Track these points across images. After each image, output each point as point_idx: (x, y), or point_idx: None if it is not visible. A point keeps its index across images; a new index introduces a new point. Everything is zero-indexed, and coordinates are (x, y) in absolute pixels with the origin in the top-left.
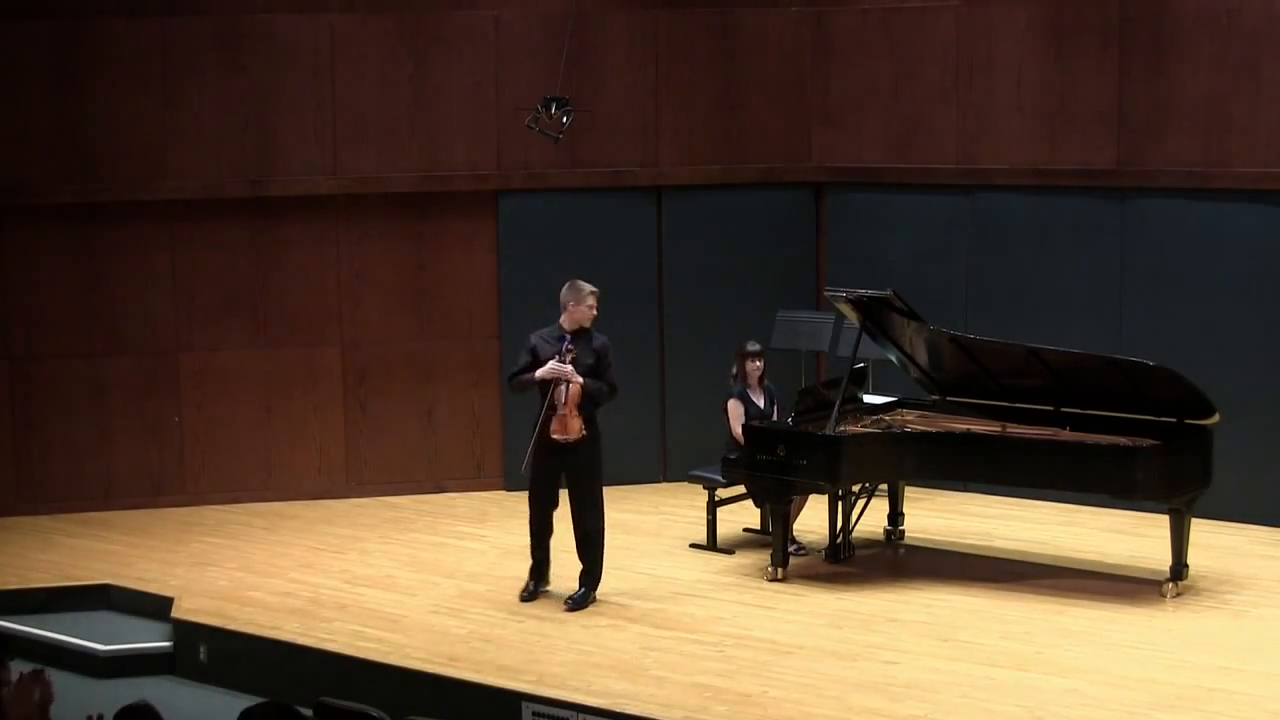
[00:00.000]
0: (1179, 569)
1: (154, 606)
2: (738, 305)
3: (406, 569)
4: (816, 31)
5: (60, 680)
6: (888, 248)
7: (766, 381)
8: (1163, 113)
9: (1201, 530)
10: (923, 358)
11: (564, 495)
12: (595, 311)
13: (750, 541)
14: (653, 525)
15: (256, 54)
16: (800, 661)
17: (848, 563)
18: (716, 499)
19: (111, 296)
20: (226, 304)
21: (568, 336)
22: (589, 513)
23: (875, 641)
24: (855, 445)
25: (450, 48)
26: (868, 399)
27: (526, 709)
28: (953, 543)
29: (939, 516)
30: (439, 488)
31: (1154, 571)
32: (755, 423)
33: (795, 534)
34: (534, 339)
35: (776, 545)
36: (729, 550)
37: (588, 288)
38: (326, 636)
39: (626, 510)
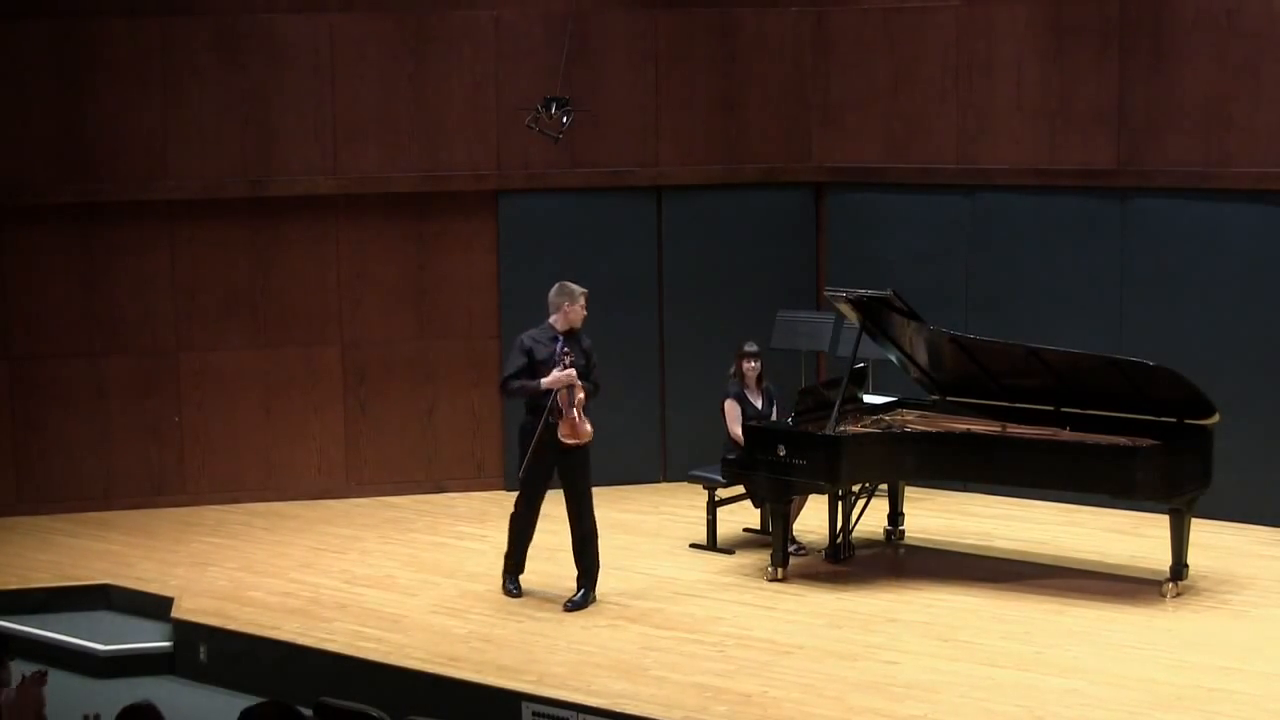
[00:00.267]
0: (1179, 569)
1: (154, 606)
2: (738, 305)
3: (406, 569)
4: (816, 31)
5: (60, 680)
6: (888, 248)
7: (766, 383)
8: (1163, 113)
9: (1201, 530)
10: (923, 358)
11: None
12: (586, 311)
13: (750, 541)
14: (653, 525)
15: (256, 54)
16: (800, 661)
17: (848, 563)
18: (716, 499)
19: (111, 296)
20: (226, 304)
21: (561, 339)
22: (588, 513)
23: (875, 641)
24: (855, 445)
25: (450, 48)
26: (868, 399)
27: (526, 709)
28: (953, 543)
29: (939, 516)
30: (439, 488)
31: (1154, 571)
32: (754, 423)
33: (795, 534)
34: (527, 341)
35: (776, 545)
36: (729, 550)
37: (579, 289)
38: (326, 636)
39: (626, 510)
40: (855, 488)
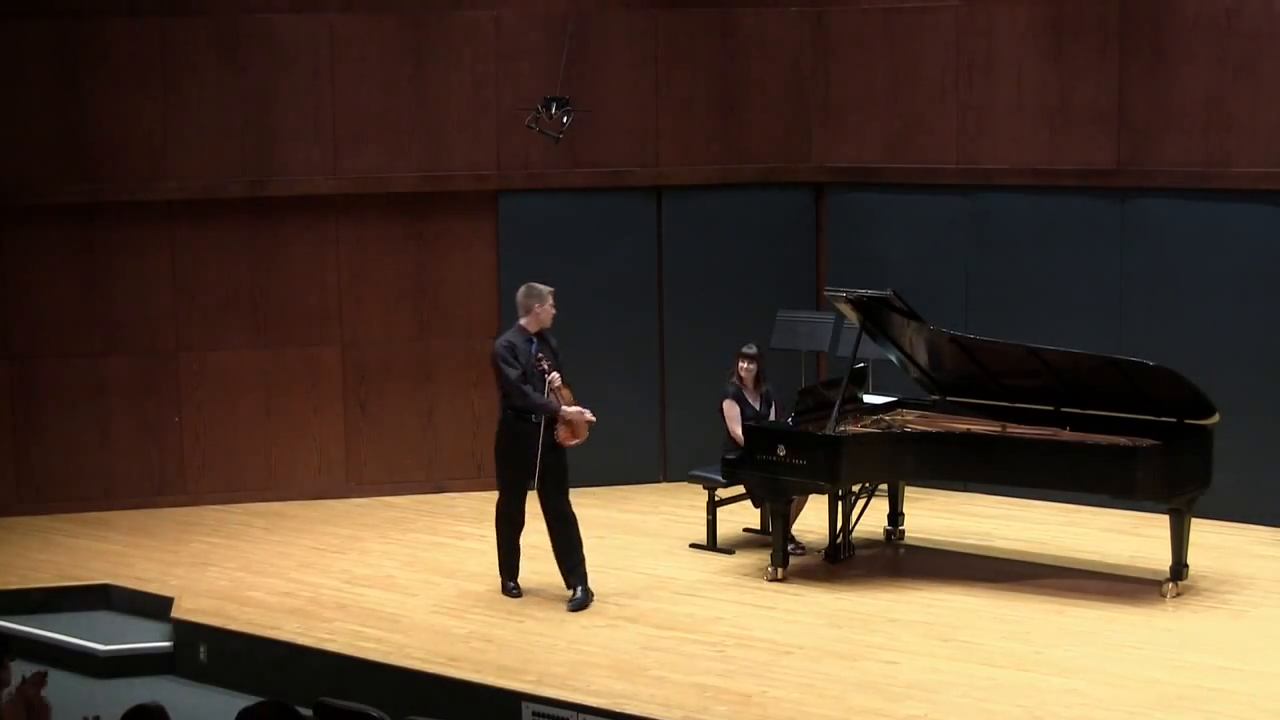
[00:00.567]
0: (1179, 569)
1: (154, 606)
2: (738, 305)
3: (406, 569)
4: (816, 31)
5: (60, 680)
6: (888, 248)
7: (765, 385)
8: (1163, 113)
9: (1201, 530)
10: (923, 358)
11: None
12: (555, 310)
13: (750, 541)
14: (653, 525)
15: (256, 54)
16: (800, 661)
17: (848, 563)
18: (716, 499)
19: (111, 296)
20: (226, 304)
21: (535, 341)
22: (568, 501)
23: (875, 641)
24: (855, 445)
25: (450, 48)
26: (868, 399)
27: (526, 709)
28: (953, 543)
29: (939, 516)
30: (439, 488)
31: (1154, 571)
32: (754, 423)
33: (794, 534)
34: (511, 345)
35: (776, 545)
36: (729, 550)
37: (545, 288)
38: (326, 636)
39: (626, 510)
40: (855, 488)
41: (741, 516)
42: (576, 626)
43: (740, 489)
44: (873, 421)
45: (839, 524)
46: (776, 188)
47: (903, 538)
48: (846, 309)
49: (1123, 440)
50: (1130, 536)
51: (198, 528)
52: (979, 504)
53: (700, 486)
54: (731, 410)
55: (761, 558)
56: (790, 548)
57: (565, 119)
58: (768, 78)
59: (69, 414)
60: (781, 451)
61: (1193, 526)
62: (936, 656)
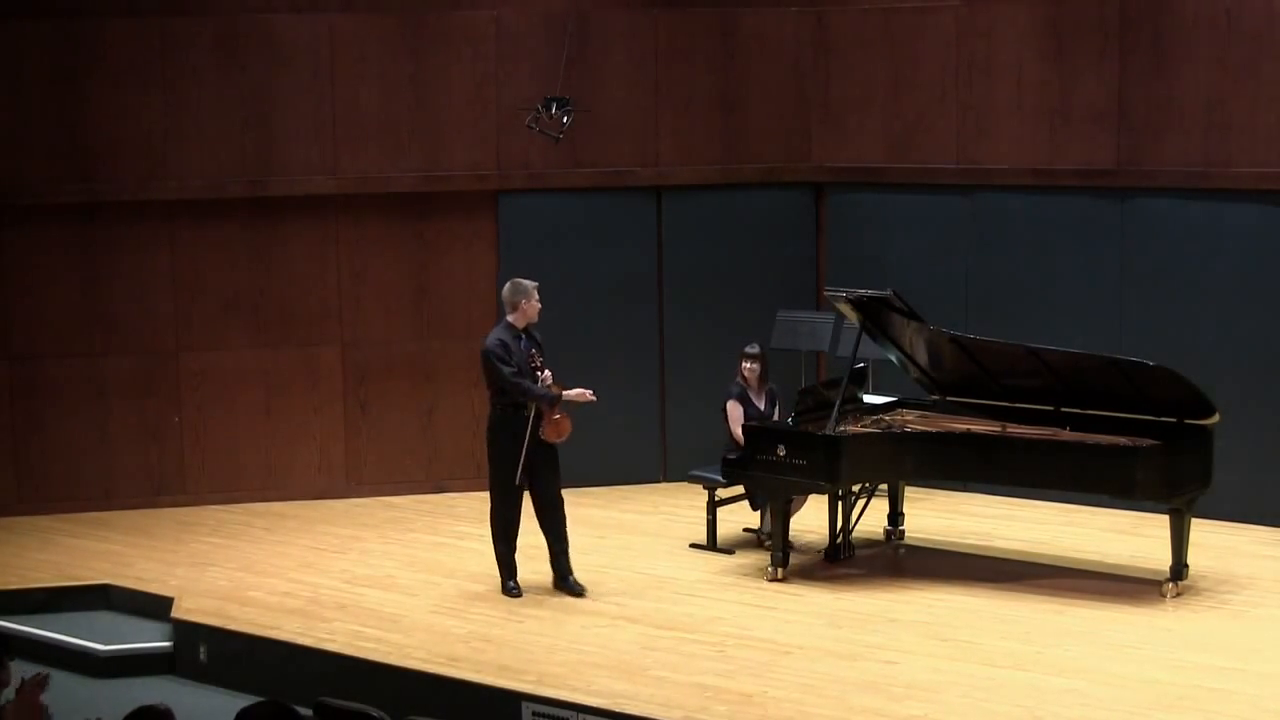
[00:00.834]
0: (1179, 569)
1: (154, 606)
2: (738, 305)
3: (406, 569)
4: (816, 31)
5: (60, 680)
6: (888, 248)
7: (769, 384)
8: (1163, 113)
9: (1201, 530)
10: (923, 358)
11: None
12: (540, 304)
13: (750, 541)
14: (653, 525)
15: (256, 54)
16: (800, 661)
17: (848, 563)
18: (716, 499)
19: (111, 296)
20: (226, 304)
21: (523, 338)
22: (558, 483)
23: (875, 641)
24: (855, 445)
25: (450, 48)
26: (868, 399)
27: (526, 709)
28: (953, 543)
29: (939, 516)
30: (439, 488)
31: (1154, 571)
32: (754, 423)
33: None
34: (503, 342)
35: (776, 545)
36: (729, 550)
37: (530, 283)
38: (326, 636)
39: (626, 510)
40: (855, 488)
41: (741, 517)
42: (576, 626)
43: (740, 489)
44: (873, 421)
45: (839, 524)
46: (776, 188)
47: (903, 538)
48: (846, 309)
49: (1123, 440)
50: (1130, 536)
51: (198, 528)
52: (979, 504)
53: (700, 486)
54: (735, 411)
55: (761, 558)
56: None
57: (565, 119)
58: (768, 78)
59: (69, 414)
60: (781, 451)
61: (1193, 526)
62: (936, 656)
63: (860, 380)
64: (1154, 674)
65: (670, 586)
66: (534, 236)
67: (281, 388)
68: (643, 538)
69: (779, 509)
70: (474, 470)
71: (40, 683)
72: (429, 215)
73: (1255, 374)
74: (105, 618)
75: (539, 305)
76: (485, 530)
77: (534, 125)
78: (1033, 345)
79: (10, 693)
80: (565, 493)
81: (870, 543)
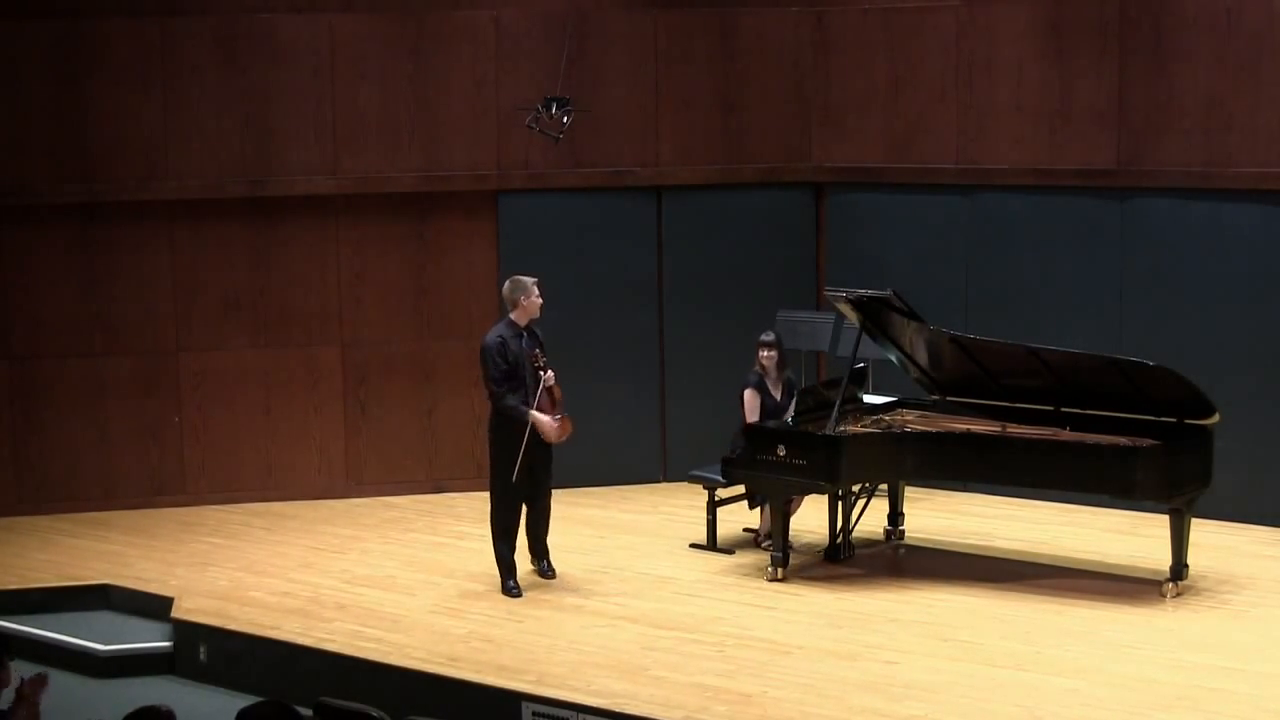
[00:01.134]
0: (1179, 569)
1: (154, 606)
2: (738, 305)
3: (406, 569)
4: (816, 31)
5: (60, 680)
6: (888, 248)
7: (787, 373)
8: (1163, 113)
9: (1201, 530)
10: (923, 358)
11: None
12: (541, 299)
13: (750, 541)
14: (653, 525)
15: (256, 54)
16: (800, 661)
17: (848, 563)
18: (716, 499)
19: (111, 296)
20: (226, 304)
21: (525, 336)
22: (545, 484)
23: (875, 641)
24: (855, 445)
25: (450, 48)
26: (868, 399)
27: (526, 709)
28: (953, 543)
29: (939, 516)
30: (439, 488)
31: (1154, 571)
32: (753, 423)
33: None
34: (503, 340)
35: (776, 545)
36: (729, 550)
37: (530, 280)
38: (326, 636)
39: (626, 510)
40: (855, 488)
41: (741, 517)
42: (576, 626)
43: (740, 489)
44: (873, 421)
45: (839, 524)
46: (776, 188)
47: (903, 538)
48: (846, 309)
49: (1123, 440)
50: (1130, 536)
51: (198, 528)
52: (979, 504)
53: (700, 486)
54: (751, 401)
55: (761, 558)
56: (764, 543)
57: (565, 119)
58: (768, 78)
59: (69, 414)
60: (781, 451)
61: (1193, 526)
62: (936, 656)
63: (860, 380)
64: (1154, 674)
65: (670, 586)
66: (534, 236)
67: (281, 388)
68: (643, 538)
69: (779, 509)
70: (474, 470)
71: (40, 682)
72: (429, 215)
73: (1255, 374)
74: (105, 618)
75: (540, 301)
76: (485, 530)
77: (534, 125)
78: (1033, 345)
79: (10, 693)
80: (566, 493)
81: (870, 543)
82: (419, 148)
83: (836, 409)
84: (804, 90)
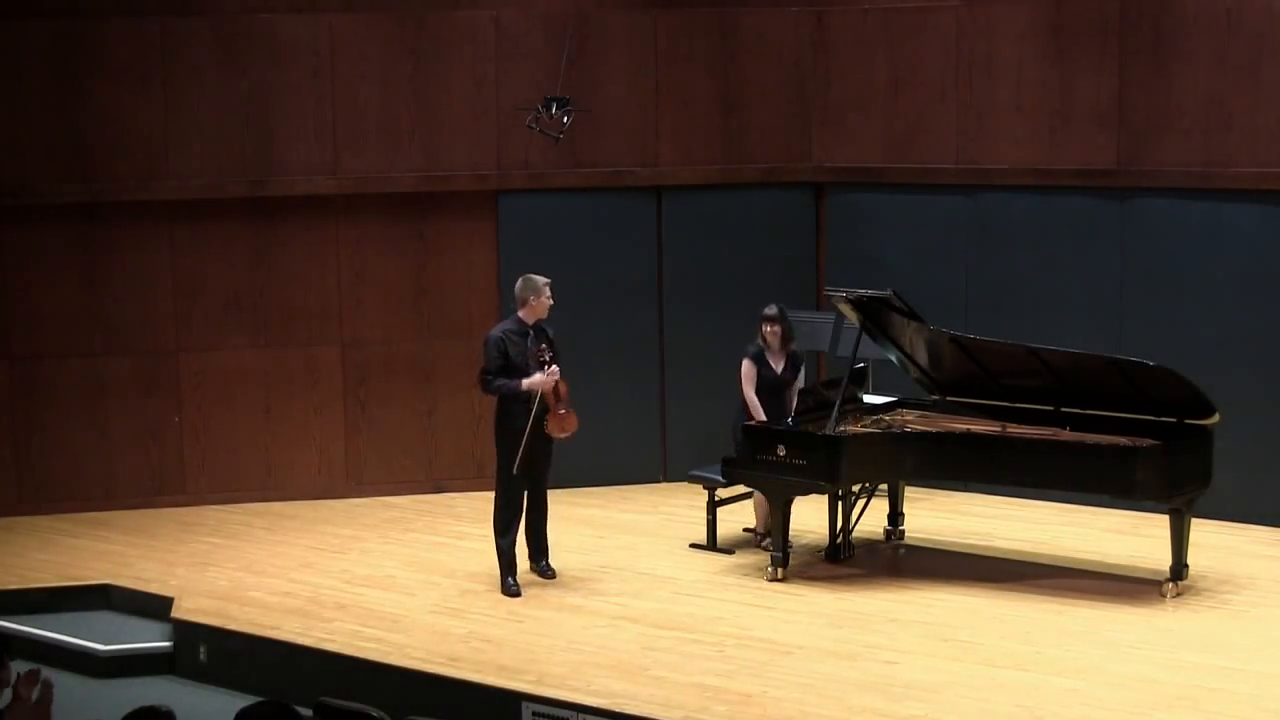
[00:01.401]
0: (1179, 569)
1: (154, 606)
2: (738, 305)
3: (406, 569)
4: (816, 31)
5: (60, 680)
6: (888, 248)
7: (792, 345)
8: (1163, 113)
9: (1201, 530)
10: (923, 358)
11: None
12: (552, 301)
13: (750, 541)
14: (653, 525)
15: (256, 54)
16: (800, 661)
17: (848, 563)
18: (716, 499)
19: (111, 296)
20: (226, 304)
21: (532, 333)
22: (543, 481)
23: (875, 641)
24: (855, 445)
25: (450, 48)
26: (868, 399)
27: (526, 709)
28: (953, 543)
29: (939, 516)
30: (439, 488)
31: (1154, 571)
32: (752, 423)
33: (759, 531)
34: (501, 338)
35: (776, 545)
36: (729, 550)
37: (541, 280)
38: (326, 636)
39: (626, 510)
40: (855, 488)
41: (741, 516)
42: (576, 626)
43: (740, 489)
44: (873, 421)
45: (839, 524)
46: (776, 188)
47: (903, 538)
48: (846, 309)
49: (1123, 440)
50: (1130, 536)
51: (198, 528)
52: (979, 504)
53: (700, 486)
54: (747, 371)
55: (761, 558)
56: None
57: (565, 119)
58: (768, 78)
59: (69, 414)
60: (781, 451)
61: (1193, 526)
62: (936, 656)
63: (860, 380)
64: (1154, 674)
65: (670, 586)
66: (534, 236)
67: (281, 388)
68: (643, 538)
69: (779, 509)
70: (474, 470)
71: (33, 679)
72: (429, 215)
73: (1255, 374)
74: (105, 618)
75: (549, 302)
76: (485, 530)
77: (534, 125)
78: (1033, 345)
79: (10, 693)
80: (567, 493)
81: (870, 543)
82: (419, 148)
83: (836, 409)
84: (804, 90)
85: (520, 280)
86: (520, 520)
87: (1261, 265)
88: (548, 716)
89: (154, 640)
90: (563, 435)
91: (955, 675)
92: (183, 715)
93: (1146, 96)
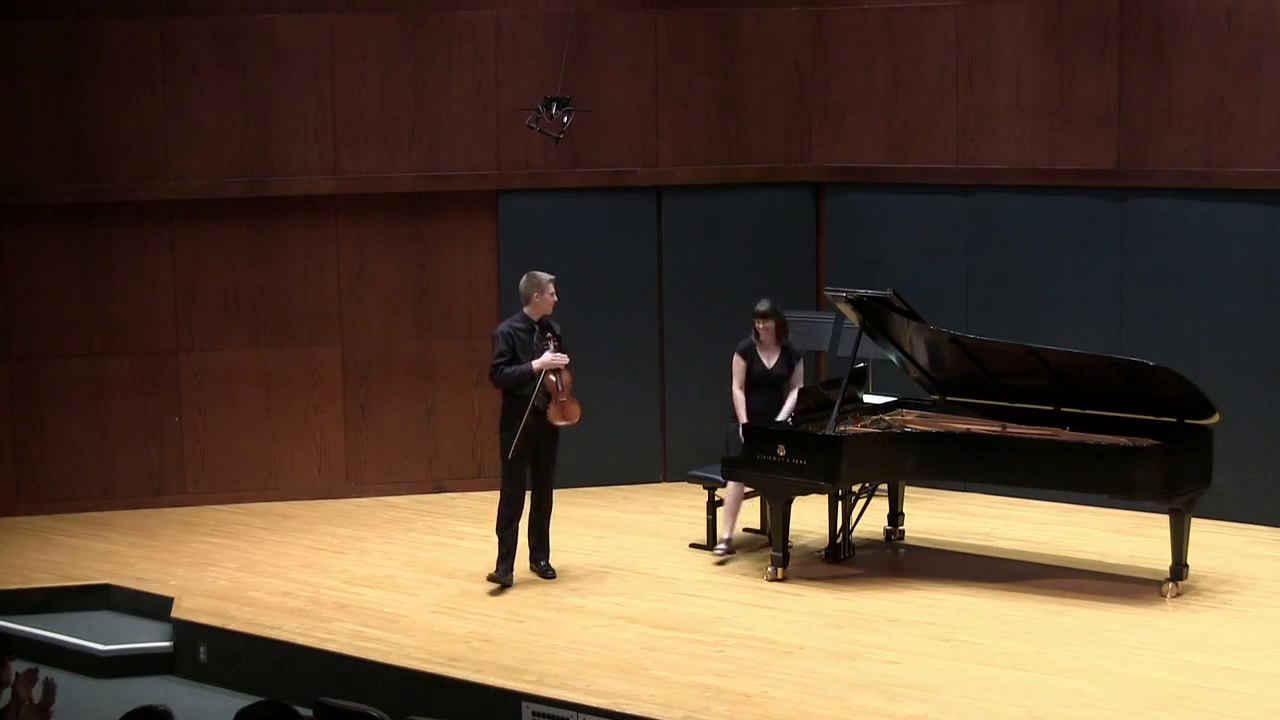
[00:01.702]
0: (1179, 569)
1: (154, 606)
2: (738, 305)
3: (406, 569)
4: (816, 31)
5: (60, 680)
6: (888, 248)
7: (787, 340)
8: (1163, 113)
9: (1201, 530)
10: (923, 358)
11: None
12: (556, 298)
13: (750, 541)
14: (653, 525)
15: (256, 54)
16: (800, 661)
17: (848, 563)
18: (716, 499)
19: (111, 296)
20: (226, 304)
21: (537, 328)
22: (551, 487)
23: (875, 641)
24: (855, 445)
25: (450, 48)
26: (868, 399)
27: (526, 709)
28: (953, 543)
29: (939, 516)
30: (439, 488)
31: (1154, 571)
32: (752, 423)
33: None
34: (508, 332)
35: (776, 545)
36: (729, 550)
37: (546, 276)
38: (326, 636)
39: (626, 510)
40: (855, 488)
41: (741, 517)
42: (576, 626)
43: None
44: (873, 421)
45: (839, 524)
46: (776, 188)
47: (903, 538)
48: (846, 309)
49: (1123, 440)
50: (1130, 536)
51: (198, 528)
52: (979, 504)
53: (700, 486)
54: (736, 365)
55: (761, 558)
56: (719, 548)
57: (565, 119)
58: (768, 78)
59: (69, 414)
60: (781, 451)
61: (1193, 526)
62: (936, 656)
63: (860, 380)
64: (1154, 674)
65: (670, 586)
66: (534, 236)
67: (281, 388)
68: (643, 538)
69: (779, 509)
70: (474, 470)
71: (30, 678)
72: (429, 215)
73: (1255, 374)
74: (105, 618)
75: (553, 299)
76: (485, 530)
77: (534, 125)
78: (1033, 345)
79: (9, 693)
80: (567, 493)
81: (870, 543)
82: (419, 148)
83: (836, 409)
84: (804, 90)
85: (524, 277)
86: (521, 519)
87: (1261, 265)
88: (548, 716)
89: (154, 640)
90: (565, 423)
91: (955, 675)
92: (183, 715)
93: (1146, 96)
